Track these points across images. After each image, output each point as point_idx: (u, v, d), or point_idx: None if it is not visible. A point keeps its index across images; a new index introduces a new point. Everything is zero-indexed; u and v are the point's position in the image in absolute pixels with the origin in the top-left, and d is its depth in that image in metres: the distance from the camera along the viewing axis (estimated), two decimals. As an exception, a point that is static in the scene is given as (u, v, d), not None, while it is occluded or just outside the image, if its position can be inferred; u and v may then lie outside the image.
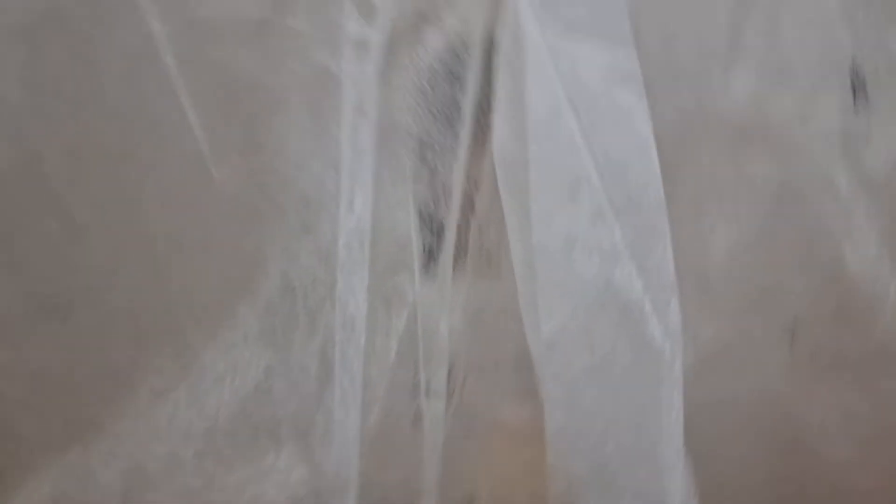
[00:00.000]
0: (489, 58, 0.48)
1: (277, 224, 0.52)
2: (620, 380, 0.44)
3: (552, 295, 0.43)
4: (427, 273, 0.48)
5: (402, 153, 0.47)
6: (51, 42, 0.51)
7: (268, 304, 0.52)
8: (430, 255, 0.48)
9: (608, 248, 0.42)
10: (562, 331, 0.43)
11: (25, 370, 0.55)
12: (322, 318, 0.50)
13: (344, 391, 0.46)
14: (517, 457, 0.52)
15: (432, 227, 0.48)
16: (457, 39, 0.48)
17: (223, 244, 0.54)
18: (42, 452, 0.56)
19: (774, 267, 0.50)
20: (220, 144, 0.52)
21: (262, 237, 0.52)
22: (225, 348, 0.53)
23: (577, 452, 0.43)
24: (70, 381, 0.55)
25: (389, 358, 0.48)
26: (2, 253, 0.54)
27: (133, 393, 0.55)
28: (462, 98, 0.47)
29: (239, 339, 0.53)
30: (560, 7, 0.44)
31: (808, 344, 0.52)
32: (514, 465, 0.53)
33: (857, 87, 0.51)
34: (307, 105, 0.51)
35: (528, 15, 0.44)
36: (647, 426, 0.43)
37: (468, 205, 0.48)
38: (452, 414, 0.48)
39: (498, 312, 0.49)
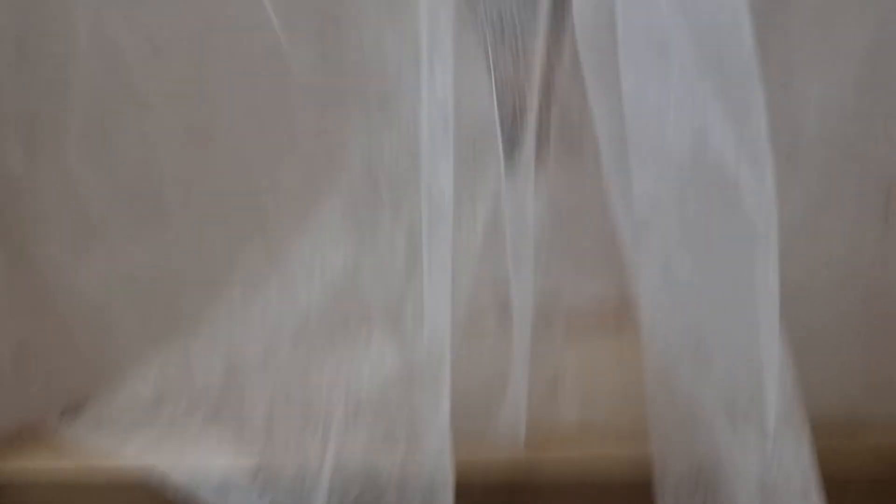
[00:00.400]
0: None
1: (357, 106, 0.51)
2: (714, 253, 0.42)
3: (645, 165, 0.42)
4: (511, 159, 0.47)
5: (482, 29, 0.46)
6: None
7: (351, 190, 0.52)
8: (513, 142, 0.47)
9: (702, 112, 0.40)
10: (655, 204, 0.41)
11: (126, 270, 0.57)
12: (407, 204, 0.50)
13: (433, 279, 0.46)
14: (600, 342, 0.52)
15: (514, 110, 0.46)
16: None
17: (305, 131, 0.53)
18: (143, 350, 0.57)
19: (868, 128, 0.48)
20: (298, 34, 0.51)
21: (343, 120, 0.52)
22: (312, 238, 0.53)
23: (671, 328, 0.42)
24: (167, 280, 0.57)
25: (476, 246, 0.47)
26: (98, 154, 0.55)
27: (227, 288, 0.56)
28: None
29: (325, 227, 0.53)
30: None
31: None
32: (597, 350, 0.52)
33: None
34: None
35: None
36: (743, 300, 0.41)
37: (548, 86, 0.47)
38: (538, 301, 0.48)
39: (582, 199, 0.48)
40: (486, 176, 0.48)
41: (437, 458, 0.47)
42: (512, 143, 0.48)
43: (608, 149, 0.44)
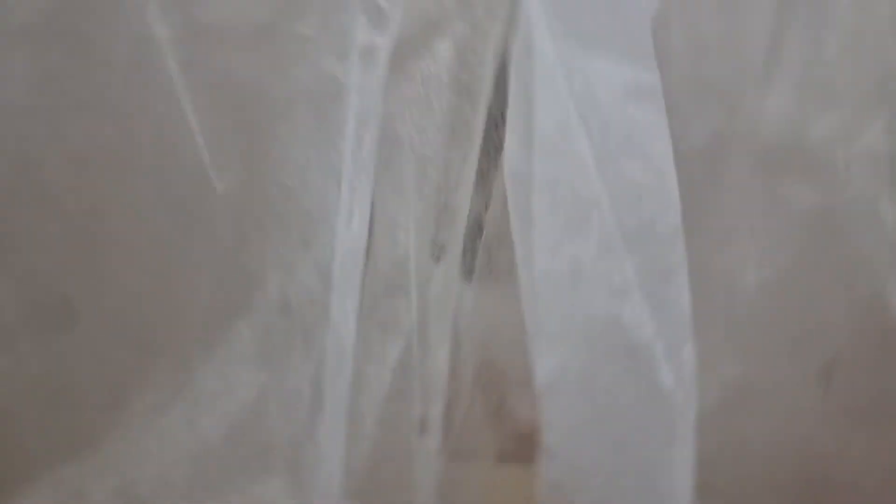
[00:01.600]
0: (503, 70, 0.45)
1: (278, 237, 0.50)
2: (626, 431, 0.40)
3: (553, 331, 0.39)
4: (426, 297, 0.45)
5: (405, 169, 0.44)
6: (52, 44, 0.50)
7: (265, 321, 0.50)
8: (429, 278, 0.45)
9: (618, 282, 0.38)
10: (562, 373, 0.39)
11: (26, 379, 0.54)
12: (316, 340, 0.47)
13: (331, 422, 0.43)
14: (523, 497, 0.48)
15: (433, 249, 0.45)
16: (468, 50, 0.45)
17: (224, 255, 0.52)
18: (39, 466, 0.54)
19: (810, 303, 0.46)
20: (223, 153, 0.50)
21: (263, 250, 0.50)
22: (221, 365, 0.51)
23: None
24: (69, 393, 0.54)
25: (382, 389, 0.45)
26: (2, 257, 0.53)
27: (129, 408, 0.53)
28: (471, 112, 0.44)
29: (235, 356, 0.51)
30: (577, 19, 0.41)
31: (845, 389, 0.48)
32: (519, 497, 0.49)
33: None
34: (312, 114, 0.49)
35: (540, 26, 0.40)
36: (655, 484, 0.39)
37: (475, 227, 0.45)
38: (451, 452, 0.45)
39: (505, 343, 0.46)
40: (399, 315, 0.45)
41: None
42: (429, 279, 0.46)
43: (527, 302, 0.42)
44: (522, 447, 0.44)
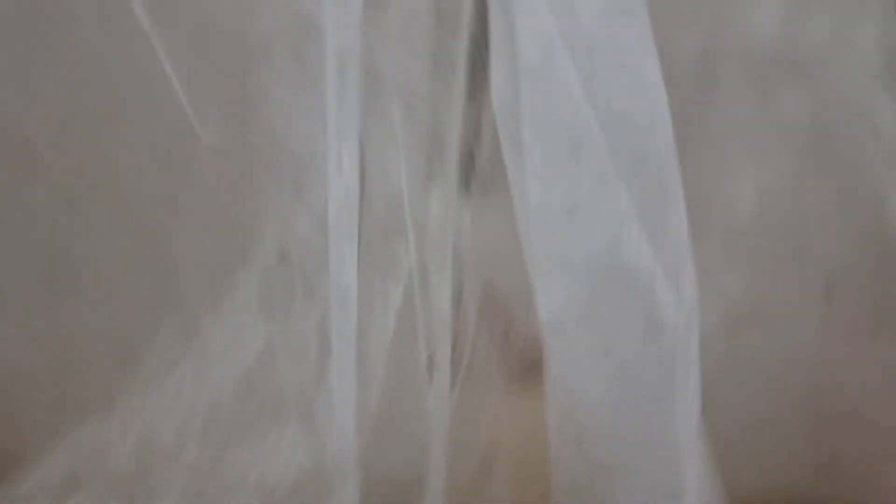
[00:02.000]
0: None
1: (270, 185, 0.49)
2: (629, 361, 0.39)
3: (552, 268, 0.39)
4: (423, 238, 0.45)
5: (390, 106, 0.43)
6: (25, 3, 0.49)
7: (265, 271, 0.49)
8: (425, 218, 0.44)
9: (614, 212, 0.38)
10: (563, 309, 0.38)
11: (33, 345, 0.54)
12: (319, 288, 0.47)
13: (341, 368, 0.43)
14: (539, 418, 0.48)
15: (425, 184, 0.44)
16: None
17: (217, 207, 0.51)
18: (52, 431, 0.55)
19: (809, 214, 0.45)
20: (203, 100, 0.49)
21: (256, 200, 0.49)
22: (227, 318, 0.51)
23: (582, 443, 0.39)
24: (78, 355, 0.54)
25: (388, 333, 0.45)
26: (7, 226, 0.53)
27: (139, 366, 0.53)
28: (451, 39, 0.42)
29: (240, 308, 0.50)
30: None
31: (846, 298, 0.47)
32: (536, 426, 0.49)
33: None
34: (291, 55, 0.47)
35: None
36: (660, 412, 0.38)
37: (468, 159, 0.44)
38: (461, 387, 0.45)
39: (508, 268, 0.45)
40: (398, 258, 0.45)
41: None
42: (426, 219, 0.45)
43: (526, 239, 0.41)
44: (533, 375, 0.44)
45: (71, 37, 0.48)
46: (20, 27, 0.48)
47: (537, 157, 0.39)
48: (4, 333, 0.53)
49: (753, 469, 0.43)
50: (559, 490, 0.40)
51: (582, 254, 0.39)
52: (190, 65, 0.48)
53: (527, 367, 0.48)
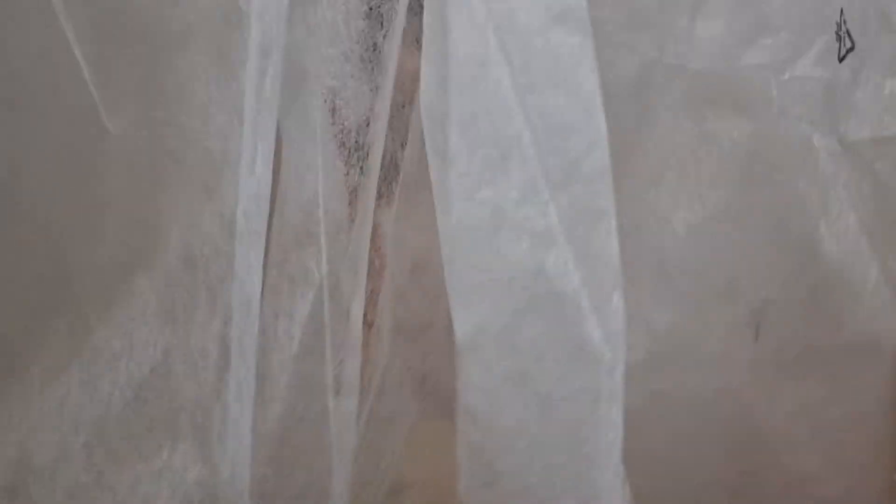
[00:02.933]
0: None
1: (178, 184, 0.46)
2: (550, 390, 0.37)
3: (472, 283, 0.36)
4: (337, 246, 0.42)
5: (311, 104, 0.40)
6: None
7: (168, 276, 0.46)
8: (340, 226, 0.41)
9: (541, 228, 0.35)
10: (480, 329, 0.36)
11: None
12: (222, 295, 0.44)
13: (239, 383, 0.40)
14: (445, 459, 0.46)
15: (342, 190, 0.41)
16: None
17: (120, 205, 0.48)
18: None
19: (741, 247, 0.44)
20: (115, 90, 0.46)
21: (163, 198, 0.46)
22: (121, 324, 0.47)
23: (493, 486, 0.37)
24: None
25: (292, 346, 0.42)
26: None
27: (23, 372, 0.49)
28: (381, 39, 0.40)
29: (137, 314, 0.47)
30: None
31: (774, 335, 0.46)
32: (447, 452, 0.46)
33: (843, 38, 0.43)
34: (211, 45, 0.44)
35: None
36: (581, 445, 0.36)
37: (392, 166, 0.42)
38: (369, 412, 0.42)
39: (423, 296, 0.43)
40: (308, 266, 0.42)
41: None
42: (339, 226, 0.42)
43: (446, 251, 0.39)
44: (445, 405, 0.42)
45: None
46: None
47: (462, 165, 0.36)
48: None
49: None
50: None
51: (504, 270, 0.36)
52: (102, 51, 0.45)
53: (441, 399, 0.46)
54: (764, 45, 0.43)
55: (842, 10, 0.43)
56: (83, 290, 0.48)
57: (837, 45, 0.43)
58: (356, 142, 0.41)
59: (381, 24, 0.40)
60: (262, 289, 0.41)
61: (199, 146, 0.44)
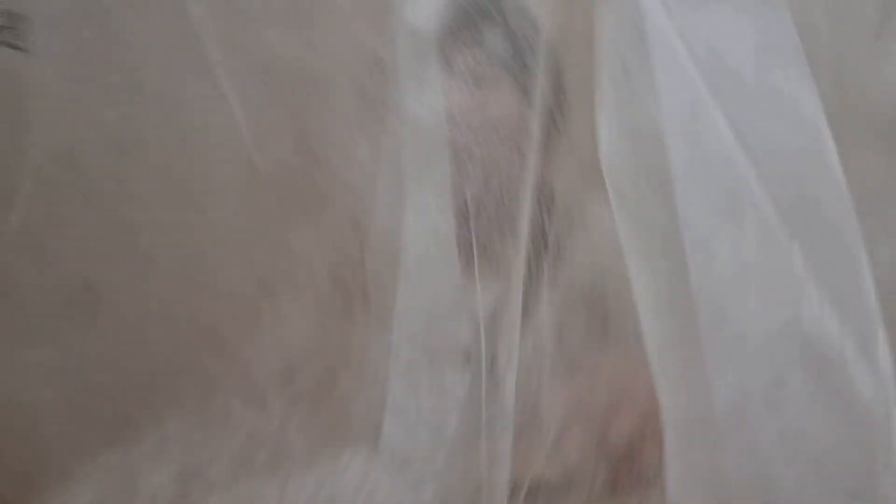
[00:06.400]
0: (557, 58, 0.41)
1: (325, 221, 0.48)
2: (823, 450, 0.33)
3: (724, 350, 0.33)
4: (493, 322, 0.41)
5: (438, 164, 0.40)
6: (89, 30, 0.46)
7: (318, 300, 0.49)
8: (495, 298, 0.40)
9: (787, 275, 0.32)
10: (743, 395, 0.33)
11: (58, 367, 0.52)
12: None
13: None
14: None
15: (491, 258, 0.40)
16: (519, 36, 0.40)
17: (266, 237, 0.50)
18: (75, 455, 0.53)
19: None
20: (264, 132, 0.48)
21: (308, 230, 0.49)
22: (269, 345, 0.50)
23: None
24: (104, 379, 0.52)
25: (448, 425, 0.41)
26: (35, 245, 0.50)
27: (175, 391, 0.52)
28: (527, 108, 0.40)
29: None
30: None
31: None
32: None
33: None
34: (354, 90, 0.46)
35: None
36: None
37: (539, 235, 0.39)
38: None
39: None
40: (457, 339, 0.41)
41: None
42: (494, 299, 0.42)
43: (659, 334, 0.36)
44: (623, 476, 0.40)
45: (137, 65, 0.47)
46: (87, 53, 0.46)
47: (689, 221, 0.33)
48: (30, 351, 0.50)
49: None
50: None
51: (756, 329, 0.33)
52: (253, 96, 0.46)
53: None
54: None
55: None
56: (226, 315, 0.51)
57: None
58: (506, 212, 0.40)
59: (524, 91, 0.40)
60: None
61: (343, 182, 0.47)
